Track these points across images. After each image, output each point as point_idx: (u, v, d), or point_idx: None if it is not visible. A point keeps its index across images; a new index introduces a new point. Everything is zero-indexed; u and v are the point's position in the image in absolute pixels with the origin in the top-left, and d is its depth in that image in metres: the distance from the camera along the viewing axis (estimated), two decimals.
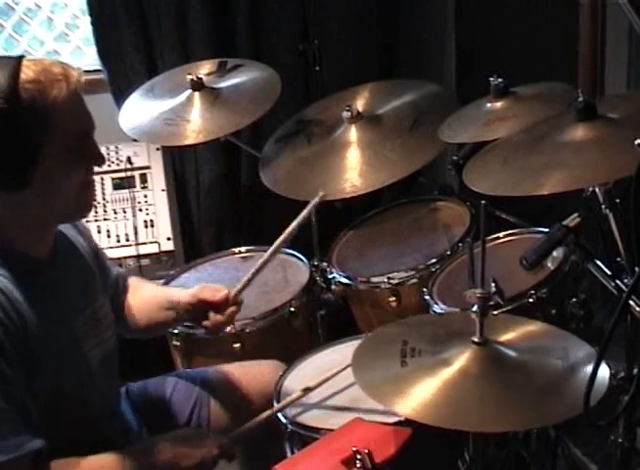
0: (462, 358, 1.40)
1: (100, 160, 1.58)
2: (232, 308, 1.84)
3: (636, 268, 1.25)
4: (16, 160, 1.44)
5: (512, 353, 1.43)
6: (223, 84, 2.41)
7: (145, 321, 1.91)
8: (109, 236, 2.77)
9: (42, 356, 1.49)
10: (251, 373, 1.96)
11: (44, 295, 1.54)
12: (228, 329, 2.03)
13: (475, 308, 1.42)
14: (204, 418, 1.89)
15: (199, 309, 1.85)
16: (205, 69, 2.49)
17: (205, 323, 1.84)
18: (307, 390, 1.76)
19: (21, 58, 1.48)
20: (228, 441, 1.69)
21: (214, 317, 1.83)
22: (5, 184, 1.46)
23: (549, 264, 1.56)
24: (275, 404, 1.76)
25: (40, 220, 1.55)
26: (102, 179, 2.84)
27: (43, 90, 1.43)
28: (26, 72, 1.44)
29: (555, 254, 1.53)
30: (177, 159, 3.03)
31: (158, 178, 2.90)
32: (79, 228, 1.75)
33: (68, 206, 1.55)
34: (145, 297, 1.94)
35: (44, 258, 1.58)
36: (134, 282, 1.97)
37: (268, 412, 1.75)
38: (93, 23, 2.88)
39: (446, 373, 1.38)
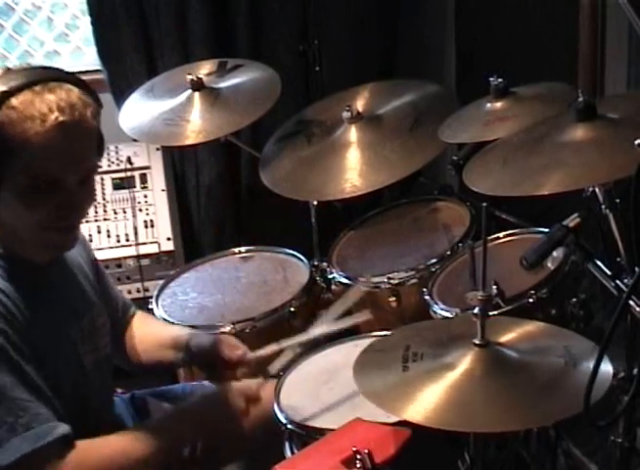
0: (464, 361, 1.40)
1: (63, 210, 1.50)
2: (243, 370, 1.83)
3: (636, 268, 1.25)
4: None
5: (514, 354, 1.43)
6: (223, 84, 2.41)
7: (146, 356, 1.89)
8: (109, 236, 2.77)
9: (43, 354, 1.51)
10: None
11: (43, 298, 1.55)
12: (228, 329, 2.04)
13: (476, 311, 1.42)
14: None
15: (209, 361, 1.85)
16: (205, 69, 2.49)
17: (213, 375, 1.87)
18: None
19: (39, 81, 1.45)
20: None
21: (223, 371, 1.83)
22: None
23: (549, 264, 1.56)
24: (275, 407, 1.76)
25: (21, 233, 1.53)
26: (102, 179, 2.85)
27: (13, 120, 1.42)
28: (18, 97, 1.43)
29: (555, 254, 1.53)
30: (177, 159, 3.03)
31: (158, 178, 2.90)
32: (80, 238, 1.73)
33: (26, 235, 1.52)
34: (149, 331, 1.92)
35: (43, 263, 1.59)
36: (140, 315, 1.96)
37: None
38: (93, 23, 2.88)
39: (449, 376, 1.38)
